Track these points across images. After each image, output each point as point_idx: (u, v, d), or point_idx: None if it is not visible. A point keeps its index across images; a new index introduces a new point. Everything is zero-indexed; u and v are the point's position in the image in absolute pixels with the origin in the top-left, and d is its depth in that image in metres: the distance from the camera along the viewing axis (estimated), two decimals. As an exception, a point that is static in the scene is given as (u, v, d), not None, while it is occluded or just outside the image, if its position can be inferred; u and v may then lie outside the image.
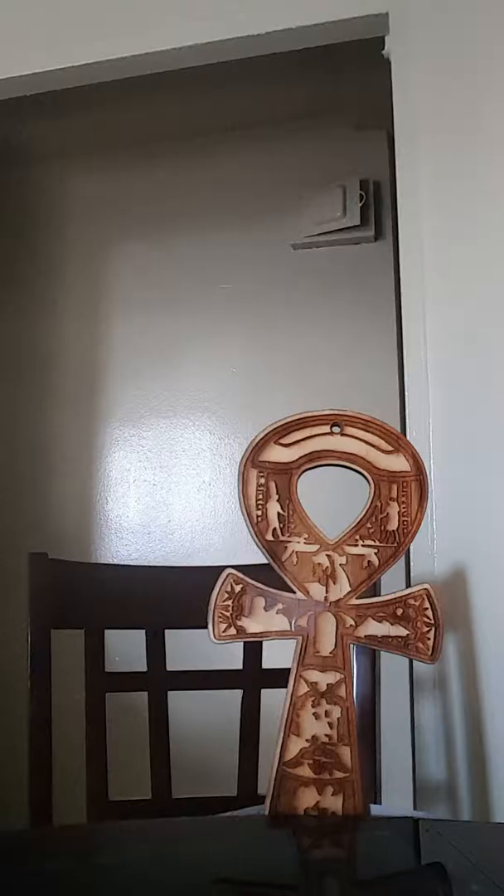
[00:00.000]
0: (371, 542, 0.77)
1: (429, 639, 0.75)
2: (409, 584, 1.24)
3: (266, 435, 0.78)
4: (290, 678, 0.75)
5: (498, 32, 1.56)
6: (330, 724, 0.74)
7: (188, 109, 2.35)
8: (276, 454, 0.78)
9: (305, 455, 0.78)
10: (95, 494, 2.45)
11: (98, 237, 2.59)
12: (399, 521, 0.77)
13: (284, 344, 2.36)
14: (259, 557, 0.77)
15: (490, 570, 1.42)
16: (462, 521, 1.45)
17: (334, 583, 0.76)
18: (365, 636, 0.76)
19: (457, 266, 1.54)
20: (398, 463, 0.78)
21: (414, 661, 1.06)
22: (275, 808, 0.72)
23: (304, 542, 0.77)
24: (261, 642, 1.09)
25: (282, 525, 0.77)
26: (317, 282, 2.36)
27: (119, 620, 1.16)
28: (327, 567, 0.76)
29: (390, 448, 0.78)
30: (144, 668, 1.13)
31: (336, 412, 0.79)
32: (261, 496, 0.77)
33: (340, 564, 0.76)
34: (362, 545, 0.77)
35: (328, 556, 0.76)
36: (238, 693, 1.14)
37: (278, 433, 0.78)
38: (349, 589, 0.76)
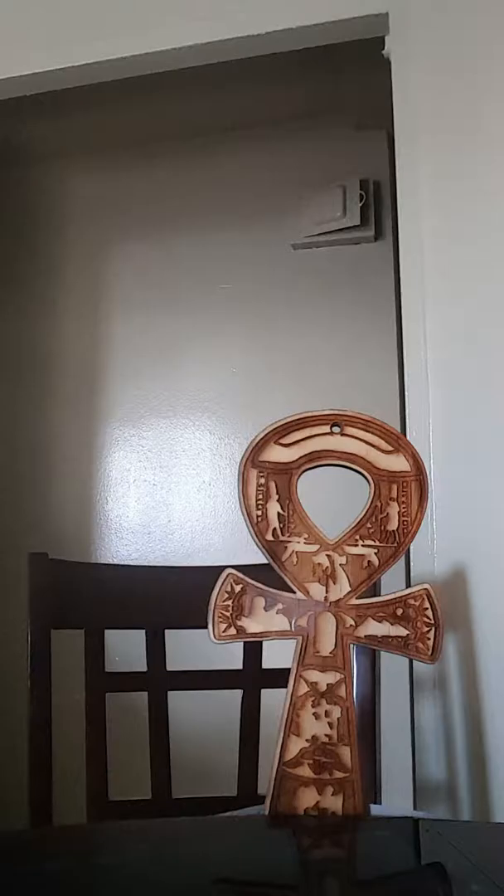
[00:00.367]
0: (371, 542, 0.77)
1: (429, 639, 0.75)
2: (409, 584, 1.24)
3: (266, 435, 0.78)
4: (290, 678, 0.75)
5: (498, 32, 1.56)
6: (330, 724, 0.74)
7: (188, 109, 2.35)
8: (276, 454, 0.78)
9: (305, 455, 0.78)
10: (95, 494, 2.45)
11: (98, 237, 2.59)
12: (399, 521, 0.77)
13: (284, 344, 2.36)
14: (259, 557, 0.77)
15: (490, 570, 1.42)
16: (462, 521, 1.45)
17: (334, 583, 0.76)
18: (365, 636, 0.76)
19: (457, 266, 1.54)
20: (398, 463, 0.78)
21: (414, 661, 1.06)
22: (275, 808, 0.72)
23: (304, 542, 0.77)
24: (261, 642, 1.09)
25: (282, 525, 0.77)
26: (317, 282, 2.36)
27: (119, 620, 1.16)
28: (327, 567, 0.76)
29: (390, 448, 0.78)
30: (144, 668, 1.13)
31: (336, 412, 0.79)
32: (261, 496, 0.77)
33: (340, 564, 0.76)
34: (362, 545, 0.77)
35: (328, 556, 0.76)
36: (238, 693, 1.14)
37: (278, 433, 0.78)
38: (349, 589, 0.76)
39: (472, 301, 1.52)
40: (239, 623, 0.75)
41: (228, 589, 0.76)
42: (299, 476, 0.78)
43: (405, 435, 0.97)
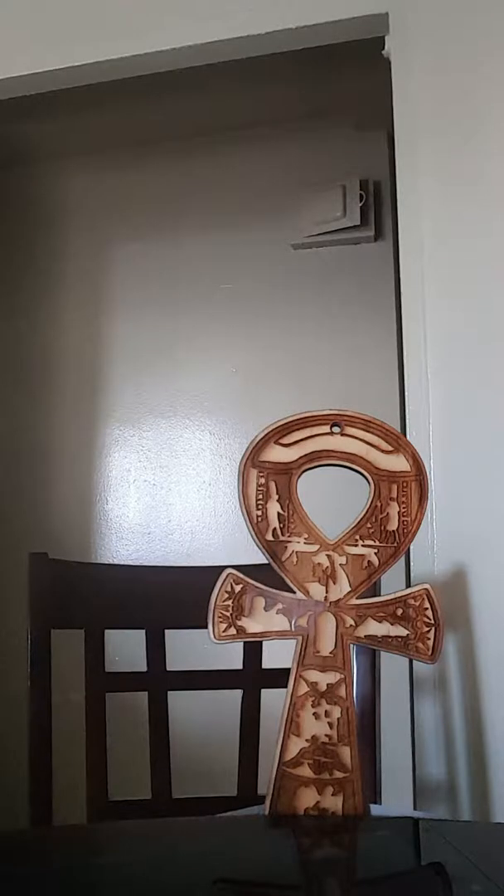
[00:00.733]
0: (371, 542, 0.77)
1: (429, 639, 0.75)
2: (409, 584, 1.24)
3: (266, 435, 0.78)
4: (290, 678, 0.75)
5: (498, 32, 1.56)
6: (330, 724, 0.74)
7: (188, 109, 2.35)
8: (276, 454, 0.78)
9: (305, 455, 0.78)
10: (95, 494, 2.45)
11: (98, 237, 2.59)
12: (399, 521, 0.77)
13: (284, 344, 2.36)
14: (259, 557, 0.77)
15: (490, 570, 1.42)
16: (462, 521, 1.45)
17: (334, 583, 0.76)
18: (365, 636, 0.76)
19: (457, 266, 1.54)
20: (398, 463, 0.78)
21: (414, 661, 1.06)
22: (275, 808, 0.72)
23: (304, 542, 0.77)
24: (261, 642, 1.09)
25: (282, 525, 0.77)
26: (317, 282, 2.36)
27: (119, 620, 1.16)
28: (327, 567, 0.76)
29: (390, 448, 0.78)
30: (144, 668, 1.13)
31: (336, 412, 0.79)
32: (261, 496, 0.77)
33: (340, 564, 0.76)
34: (362, 545, 0.77)
35: (328, 556, 0.76)
36: (238, 693, 1.14)
37: (278, 433, 0.78)
38: (349, 589, 0.76)
39: (472, 301, 1.52)
40: (239, 623, 0.75)
41: (228, 589, 0.76)
42: (299, 476, 0.78)
43: (405, 435, 0.97)
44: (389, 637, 0.76)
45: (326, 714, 0.74)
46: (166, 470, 2.42)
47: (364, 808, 0.73)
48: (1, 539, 2.38)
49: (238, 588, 0.76)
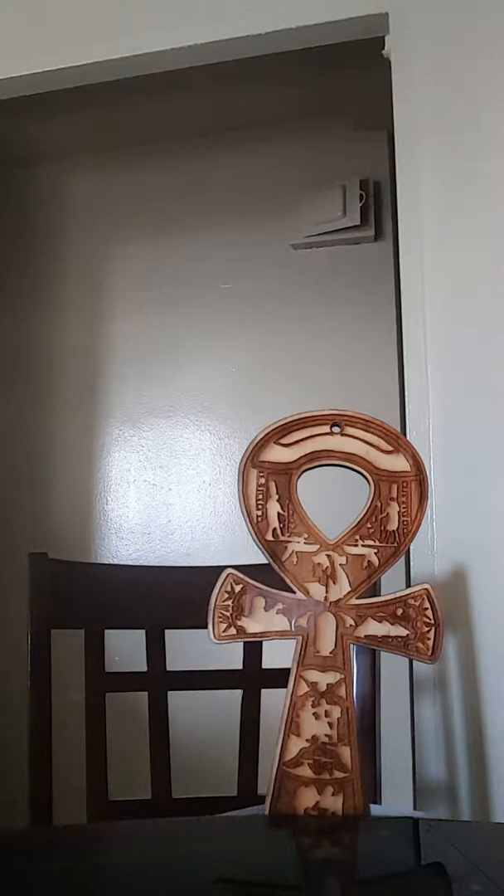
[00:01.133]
0: (371, 542, 0.77)
1: (429, 639, 0.75)
2: (409, 584, 1.24)
3: (266, 435, 0.78)
4: (290, 678, 0.75)
5: (498, 32, 1.56)
6: (330, 724, 0.74)
7: (188, 109, 2.35)
8: (276, 454, 0.78)
9: (305, 455, 0.78)
10: (95, 494, 2.45)
11: (98, 237, 2.59)
12: (399, 521, 0.77)
13: (284, 344, 2.36)
14: (259, 557, 0.77)
15: (490, 570, 1.42)
16: (462, 521, 1.45)
17: (334, 583, 0.76)
18: (365, 636, 0.76)
19: (457, 266, 1.54)
20: (398, 463, 0.78)
21: (414, 661, 1.06)
22: (275, 808, 0.72)
23: (304, 542, 0.77)
24: (261, 642, 1.09)
25: (282, 525, 0.77)
26: (317, 282, 2.36)
27: (119, 620, 1.16)
28: (327, 567, 0.76)
29: (390, 448, 0.78)
30: (144, 668, 1.13)
31: (336, 412, 0.79)
32: (261, 496, 0.77)
33: (340, 564, 0.76)
34: (362, 545, 0.77)
35: (328, 556, 0.76)
36: (238, 693, 1.14)
37: (278, 433, 0.78)
38: (349, 589, 0.76)
39: (472, 301, 1.52)
40: (239, 623, 0.75)
41: (228, 589, 0.76)
42: (299, 476, 0.78)
43: (405, 435, 0.97)
44: (389, 637, 0.76)
45: (326, 714, 0.74)
46: (166, 470, 2.42)
47: (364, 808, 0.73)
48: (1, 539, 2.38)
49: (238, 588, 0.76)
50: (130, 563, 2.34)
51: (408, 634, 0.75)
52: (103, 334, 2.53)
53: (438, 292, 1.54)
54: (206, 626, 0.75)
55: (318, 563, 0.76)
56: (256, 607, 0.75)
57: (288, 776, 0.73)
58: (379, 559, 0.76)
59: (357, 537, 0.77)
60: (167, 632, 1.15)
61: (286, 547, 0.76)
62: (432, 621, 0.76)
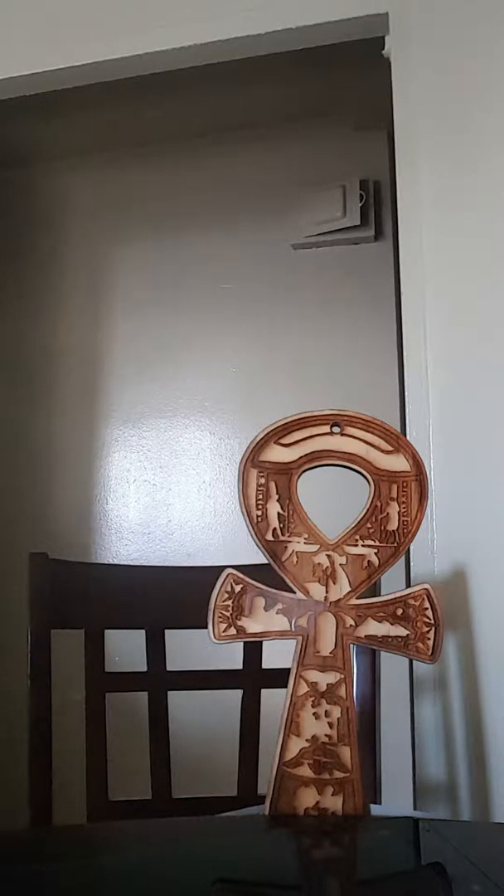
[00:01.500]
0: (371, 542, 0.77)
1: (429, 639, 0.75)
2: (409, 584, 1.24)
3: (266, 435, 0.78)
4: (290, 678, 0.75)
5: (498, 32, 1.56)
6: (330, 724, 0.74)
7: (188, 109, 2.35)
8: (276, 454, 0.78)
9: (305, 455, 0.78)
10: (95, 494, 2.45)
11: (98, 237, 2.59)
12: (399, 521, 0.77)
13: (284, 344, 2.36)
14: (259, 557, 0.77)
15: (490, 570, 1.42)
16: (462, 521, 1.45)
17: (334, 583, 0.76)
18: (365, 636, 0.76)
19: (457, 266, 1.54)
20: (398, 463, 0.78)
21: (414, 661, 1.06)
22: (275, 808, 0.72)
23: (304, 542, 0.77)
24: (261, 642, 1.09)
25: (282, 525, 0.77)
26: (317, 282, 2.36)
27: (119, 620, 1.16)
28: (327, 567, 0.76)
29: (390, 448, 0.78)
30: (144, 668, 1.13)
31: (336, 412, 0.79)
32: (261, 496, 0.77)
33: (340, 564, 0.76)
34: (362, 545, 0.77)
35: (328, 556, 0.76)
36: (238, 693, 1.14)
37: (278, 433, 0.78)
38: (349, 589, 0.76)
39: (472, 301, 1.52)
40: (239, 623, 0.75)
41: (228, 589, 0.76)
42: (299, 476, 0.78)
43: (405, 435, 0.97)
44: (389, 637, 0.76)
45: (326, 714, 0.74)
46: (166, 470, 2.42)
47: (364, 808, 0.73)
48: (1, 539, 2.37)
49: (238, 588, 0.76)
50: (130, 563, 2.34)
51: (408, 634, 0.75)
52: (103, 334, 2.53)
53: (438, 292, 1.54)
54: (206, 626, 0.75)
55: (318, 563, 0.76)
56: (256, 607, 0.76)
57: (288, 776, 0.73)
58: (379, 559, 0.76)
59: (357, 537, 0.77)
60: (167, 632, 1.15)
61: (286, 547, 0.76)
62: (432, 621, 0.76)
